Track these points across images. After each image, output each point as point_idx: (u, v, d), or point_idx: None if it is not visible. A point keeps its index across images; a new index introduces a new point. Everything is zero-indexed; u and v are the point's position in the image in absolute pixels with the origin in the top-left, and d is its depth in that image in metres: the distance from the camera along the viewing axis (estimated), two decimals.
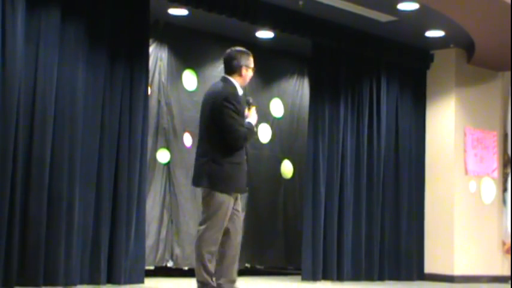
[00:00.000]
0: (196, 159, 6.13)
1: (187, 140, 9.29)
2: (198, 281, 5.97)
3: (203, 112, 6.11)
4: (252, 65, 6.14)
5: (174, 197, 9.10)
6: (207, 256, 5.92)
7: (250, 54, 6.18)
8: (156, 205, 8.95)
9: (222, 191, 5.93)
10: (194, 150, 9.13)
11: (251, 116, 6.10)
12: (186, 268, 9.11)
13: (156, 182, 8.99)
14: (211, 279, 5.95)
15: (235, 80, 6.09)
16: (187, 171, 9.22)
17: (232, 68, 6.10)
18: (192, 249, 9.03)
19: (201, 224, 6.01)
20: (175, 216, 9.08)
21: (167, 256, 9.01)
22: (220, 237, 5.97)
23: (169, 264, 9.02)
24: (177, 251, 9.04)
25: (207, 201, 5.99)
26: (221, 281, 6.03)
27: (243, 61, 6.10)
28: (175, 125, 9.19)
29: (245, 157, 6.10)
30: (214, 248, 5.95)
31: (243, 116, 6.03)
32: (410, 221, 10.41)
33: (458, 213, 10.41)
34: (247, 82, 6.22)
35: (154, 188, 8.94)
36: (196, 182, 6.13)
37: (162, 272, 9.01)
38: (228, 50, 6.21)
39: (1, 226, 6.59)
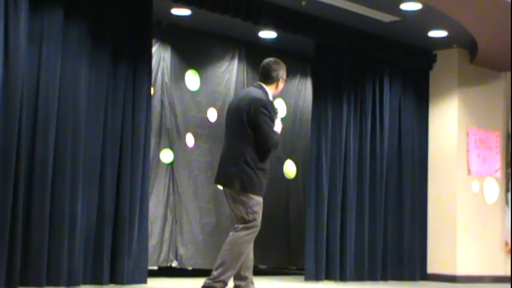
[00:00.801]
0: (224, 160, 6.19)
1: (190, 140, 9.29)
2: (221, 281, 5.97)
3: (236, 115, 6.16)
4: (285, 76, 6.32)
5: (177, 197, 9.10)
6: (240, 255, 5.99)
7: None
8: (160, 205, 8.95)
9: (257, 194, 6.07)
10: (196, 151, 9.28)
11: (277, 125, 6.19)
12: (189, 268, 9.10)
13: (160, 182, 8.99)
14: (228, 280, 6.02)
15: (270, 90, 6.23)
16: (189, 172, 9.24)
17: (270, 78, 6.24)
18: (196, 250, 9.10)
19: (239, 222, 6.07)
20: (179, 216, 9.08)
21: (171, 256, 9.01)
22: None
23: (174, 264, 9.01)
24: (182, 251, 9.03)
25: (243, 203, 6.06)
26: (242, 283, 6.13)
27: (281, 73, 6.27)
28: (178, 125, 9.19)
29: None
30: (247, 248, 6.05)
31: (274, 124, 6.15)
32: (413, 221, 10.41)
33: (461, 213, 10.41)
34: (278, 94, 6.39)
35: (157, 188, 8.94)
36: (225, 182, 6.17)
37: (165, 272, 9.01)
38: (268, 60, 6.34)
39: (4, 226, 6.59)
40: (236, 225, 6.07)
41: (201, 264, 9.12)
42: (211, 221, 9.33)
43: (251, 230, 6.04)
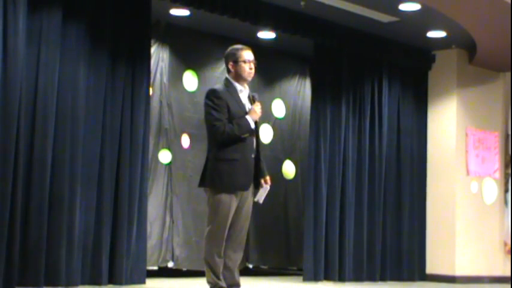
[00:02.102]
0: None
1: (185, 141, 9.27)
2: (208, 282, 5.99)
3: None
4: (242, 58, 6.10)
5: (175, 198, 9.09)
6: (211, 257, 5.92)
7: (241, 48, 6.16)
8: (159, 206, 8.93)
9: (215, 190, 5.93)
10: (191, 152, 9.29)
11: (251, 112, 6.06)
12: (184, 269, 9.08)
13: (158, 182, 8.98)
14: (219, 279, 5.96)
15: (231, 78, 6.14)
16: (184, 172, 9.22)
17: (226, 68, 6.20)
18: (191, 250, 9.10)
19: (207, 225, 6.04)
20: (176, 217, 9.07)
21: (168, 257, 9.00)
22: (224, 238, 5.95)
23: (170, 264, 9.00)
24: (177, 251, 9.02)
25: (207, 201, 6.04)
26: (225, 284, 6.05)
27: (229, 57, 6.15)
28: (175, 125, 9.19)
29: (251, 154, 6.06)
30: (218, 249, 5.93)
31: (232, 111, 5.98)
32: (412, 222, 10.41)
33: (460, 213, 10.41)
34: (246, 75, 6.12)
35: (156, 189, 8.93)
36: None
37: (166, 272, 8.99)
38: None
39: (2, 226, 6.59)
40: (205, 229, 6.05)
41: (195, 266, 9.11)
42: (203, 223, 9.28)
43: (213, 233, 5.93)
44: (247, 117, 6.01)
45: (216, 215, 5.92)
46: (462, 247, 10.35)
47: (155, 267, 8.84)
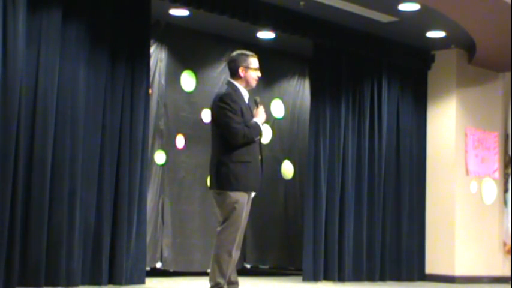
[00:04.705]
0: (210, 162, 6.19)
1: (180, 141, 9.25)
2: (211, 283, 5.97)
3: (210, 117, 6.26)
4: (253, 65, 6.18)
5: (166, 199, 9.05)
6: (224, 257, 5.94)
7: (251, 55, 6.22)
8: (154, 206, 8.90)
9: (232, 190, 5.98)
10: (186, 152, 9.28)
11: (258, 114, 6.17)
12: (171, 270, 9.05)
13: (154, 183, 8.96)
14: (224, 279, 5.96)
15: (237, 83, 6.18)
16: (177, 173, 9.19)
17: (231, 71, 6.22)
18: (177, 252, 9.05)
19: (220, 225, 6.04)
20: (166, 218, 9.05)
21: (157, 257, 8.94)
22: (237, 237, 6.00)
23: (158, 265, 8.95)
24: (166, 252, 8.99)
25: (220, 202, 6.04)
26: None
27: (240, 62, 6.16)
28: (170, 126, 9.17)
29: (259, 157, 6.15)
30: (231, 247, 5.96)
31: (244, 115, 6.06)
32: (411, 222, 10.42)
33: (459, 213, 10.41)
34: (253, 83, 6.22)
35: (152, 189, 8.91)
36: (209, 184, 6.19)
37: (155, 273, 8.96)
38: (229, 55, 6.34)
39: (2, 226, 6.58)
40: (217, 229, 6.05)
41: (181, 267, 9.09)
42: (193, 224, 9.27)
43: (228, 231, 5.96)
44: (257, 120, 6.14)
45: (232, 214, 5.96)
46: (461, 247, 10.35)
47: (147, 268, 8.83)
